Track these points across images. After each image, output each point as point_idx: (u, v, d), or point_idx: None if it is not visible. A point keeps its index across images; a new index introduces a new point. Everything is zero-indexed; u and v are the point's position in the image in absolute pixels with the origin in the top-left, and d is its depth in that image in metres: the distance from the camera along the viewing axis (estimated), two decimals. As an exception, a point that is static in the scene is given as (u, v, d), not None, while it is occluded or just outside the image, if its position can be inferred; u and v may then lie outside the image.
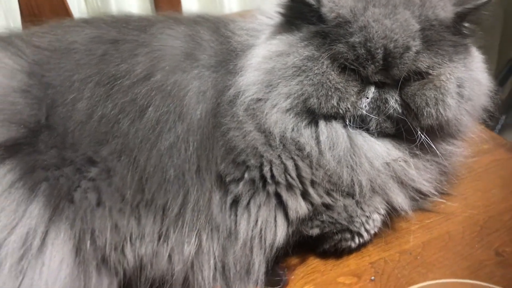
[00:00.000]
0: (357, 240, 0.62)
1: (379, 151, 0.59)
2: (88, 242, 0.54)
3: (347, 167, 0.58)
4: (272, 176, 0.58)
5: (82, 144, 0.57)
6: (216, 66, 0.62)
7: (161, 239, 0.56)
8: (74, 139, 0.57)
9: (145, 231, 0.56)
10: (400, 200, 0.62)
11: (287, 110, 0.58)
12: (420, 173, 0.62)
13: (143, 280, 0.58)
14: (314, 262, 0.63)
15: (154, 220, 0.56)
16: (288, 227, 0.59)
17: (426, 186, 0.63)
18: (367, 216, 0.62)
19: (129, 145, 0.57)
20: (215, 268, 0.58)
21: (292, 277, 0.62)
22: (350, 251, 0.63)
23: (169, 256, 0.57)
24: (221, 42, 0.64)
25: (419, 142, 0.59)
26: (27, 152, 0.55)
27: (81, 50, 0.63)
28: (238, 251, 0.58)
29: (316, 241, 0.63)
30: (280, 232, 0.59)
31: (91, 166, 0.57)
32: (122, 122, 0.58)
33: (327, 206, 0.60)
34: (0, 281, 0.49)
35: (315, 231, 0.61)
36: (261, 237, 0.58)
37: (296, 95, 0.57)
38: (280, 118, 0.57)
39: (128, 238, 0.56)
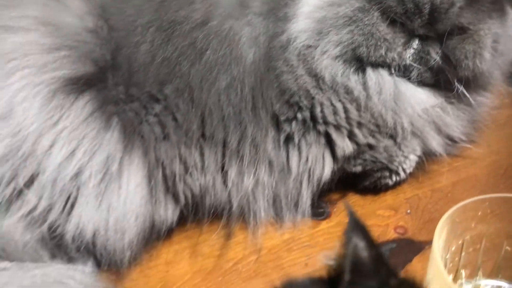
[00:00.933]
0: (394, 178, 0.68)
1: (419, 98, 0.64)
2: (157, 171, 0.59)
3: (391, 111, 0.63)
4: (323, 116, 0.62)
5: (146, 83, 0.61)
6: (267, 13, 0.66)
7: (223, 171, 0.61)
8: (138, 78, 0.61)
9: (207, 163, 0.61)
10: (435, 143, 0.67)
11: (337, 57, 0.62)
12: (454, 120, 0.67)
13: (203, 209, 0.63)
14: (354, 197, 0.69)
15: (215, 153, 0.61)
16: (334, 164, 0.64)
17: (457, 132, 0.69)
18: (405, 156, 0.67)
19: (190, 84, 0.62)
20: (269, 199, 0.64)
21: (334, 209, 0.68)
22: (387, 188, 0.69)
23: (229, 188, 0.62)
24: None
25: (456, 92, 0.64)
26: (99, 88, 0.59)
27: None
28: (290, 185, 0.63)
29: (356, 178, 0.68)
30: (327, 169, 0.64)
31: (155, 103, 0.61)
32: (182, 63, 0.62)
33: (370, 146, 0.65)
34: (84, 201, 0.54)
35: (358, 169, 0.66)
36: (310, 173, 0.64)
37: (346, 43, 0.61)
38: (330, 64, 0.62)
39: (192, 169, 0.61)
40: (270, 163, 0.62)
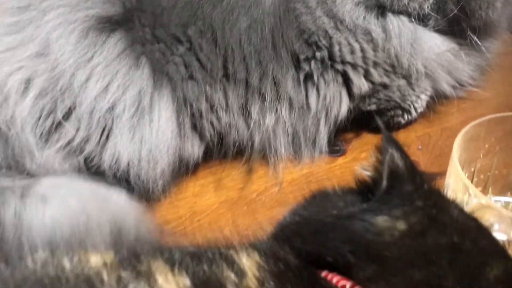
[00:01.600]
0: (406, 117, 0.72)
1: (435, 43, 0.68)
2: (185, 108, 0.62)
3: (408, 53, 0.66)
4: (341, 56, 0.65)
5: (170, 25, 0.63)
6: None
7: (245, 110, 0.64)
8: (162, 21, 0.63)
9: (230, 101, 0.64)
10: (445, 85, 0.71)
11: (359, 3, 0.65)
12: (464, 65, 0.71)
13: (226, 145, 0.66)
14: (367, 136, 0.73)
15: (238, 92, 0.64)
16: (350, 102, 0.68)
17: (466, 76, 0.73)
18: (417, 96, 0.70)
19: (212, 26, 0.64)
20: (289, 136, 0.67)
21: (350, 147, 0.71)
22: (399, 127, 0.73)
23: (251, 125, 0.64)
24: None
25: (468, 40, 0.68)
26: (128, 28, 0.61)
27: None
28: (309, 121, 0.66)
29: (370, 118, 0.72)
30: (344, 106, 0.67)
31: (179, 45, 0.63)
32: (204, 6, 0.64)
33: (384, 86, 0.68)
34: (118, 132, 0.57)
35: (373, 107, 0.69)
36: (327, 110, 0.67)
37: None
38: (352, 9, 0.65)
39: (217, 108, 0.63)
40: (290, 101, 0.65)
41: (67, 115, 0.56)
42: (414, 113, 0.72)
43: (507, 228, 0.40)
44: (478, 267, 0.31)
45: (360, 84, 0.66)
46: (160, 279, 0.31)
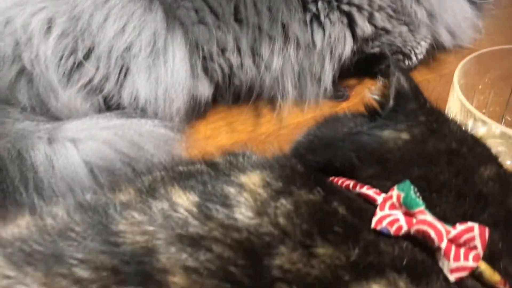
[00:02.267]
0: (406, 62, 0.75)
1: None
2: (197, 50, 0.65)
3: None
4: None
5: None
6: None
7: (256, 51, 0.67)
8: None
9: (241, 45, 0.66)
10: (444, 35, 0.74)
11: None
12: (462, 15, 0.75)
13: (235, 87, 0.70)
14: (369, 82, 0.76)
15: (248, 35, 0.66)
16: (354, 44, 0.71)
17: (463, 27, 0.76)
18: (417, 42, 0.73)
19: None
20: (295, 75, 0.70)
21: (353, 93, 0.74)
22: (399, 72, 0.76)
23: (261, 67, 0.67)
24: None
25: None
26: None
27: None
28: (314, 58, 0.69)
29: (372, 63, 0.75)
30: (347, 47, 0.70)
31: None
32: None
33: (387, 31, 0.71)
34: (135, 71, 0.60)
35: (376, 50, 0.72)
36: (332, 48, 0.70)
37: None
38: None
39: (227, 50, 0.66)
40: (297, 41, 0.68)
41: (87, 55, 0.59)
42: (414, 59, 0.75)
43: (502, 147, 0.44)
44: (473, 166, 0.35)
45: (364, 27, 0.69)
46: (175, 198, 0.34)
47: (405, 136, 0.37)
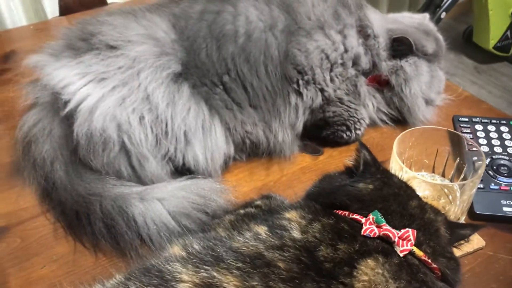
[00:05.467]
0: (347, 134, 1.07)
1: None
2: (227, 126, 0.94)
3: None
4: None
5: (209, 74, 0.94)
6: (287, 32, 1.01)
7: (266, 126, 0.97)
8: (203, 72, 0.94)
9: (256, 122, 0.96)
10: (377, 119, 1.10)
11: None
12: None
13: (254, 150, 1.00)
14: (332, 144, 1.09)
15: (260, 116, 0.96)
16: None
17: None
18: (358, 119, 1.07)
19: (239, 75, 0.95)
20: (289, 140, 1.00)
21: (324, 150, 1.07)
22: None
23: (270, 137, 0.97)
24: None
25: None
26: (187, 78, 0.93)
27: (196, 18, 1.00)
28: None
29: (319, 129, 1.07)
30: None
31: (217, 88, 0.95)
32: (236, 62, 0.95)
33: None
34: (193, 143, 0.89)
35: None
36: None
37: None
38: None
39: (246, 126, 0.96)
40: (291, 124, 1.00)
41: (165, 135, 0.88)
42: (353, 133, 1.06)
43: (421, 188, 0.78)
44: (406, 201, 0.66)
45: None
46: (255, 229, 0.62)
47: (371, 186, 0.68)
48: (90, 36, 0.92)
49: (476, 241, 0.83)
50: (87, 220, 0.80)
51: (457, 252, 0.68)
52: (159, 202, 0.81)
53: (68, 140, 0.87)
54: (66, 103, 0.86)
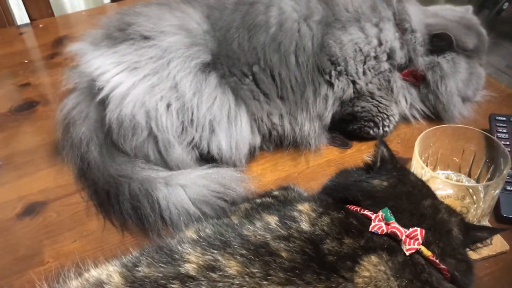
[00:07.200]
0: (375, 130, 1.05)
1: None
2: (254, 117, 0.96)
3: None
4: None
5: (239, 64, 0.96)
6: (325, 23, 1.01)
7: (293, 118, 0.98)
8: (234, 62, 0.96)
9: (283, 114, 0.97)
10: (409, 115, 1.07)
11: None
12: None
13: (279, 141, 1.01)
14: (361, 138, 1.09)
15: (287, 108, 0.97)
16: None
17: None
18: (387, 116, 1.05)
19: (269, 65, 0.96)
20: (316, 133, 1.01)
21: (353, 144, 1.07)
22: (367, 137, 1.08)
23: (296, 129, 0.98)
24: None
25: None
26: (215, 68, 0.95)
27: (231, 8, 1.02)
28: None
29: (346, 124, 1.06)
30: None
31: (246, 78, 0.97)
32: (266, 52, 0.96)
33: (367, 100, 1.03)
34: (218, 132, 0.91)
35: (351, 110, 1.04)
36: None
37: None
38: None
39: (273, 118, 0.97)
40: (319, 114, 1.00)
41: (191, 123, 0.91)
42: (381, 130, 1.05)
43: (444, 187, 0.76)
44: (419, 200, 0.66)
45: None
46: (266, 219, 0.63)
47: (385, 183, 0.68)
48: (127, 26, 0.96)
49: (500, 244, 0.80)
50: (116, 200, 0.85)
51: (478, 255, 0.66)
52: (181, 189, 0.84)
53: (103, 123, 0.92)
54: (100, 89, 0.91)
